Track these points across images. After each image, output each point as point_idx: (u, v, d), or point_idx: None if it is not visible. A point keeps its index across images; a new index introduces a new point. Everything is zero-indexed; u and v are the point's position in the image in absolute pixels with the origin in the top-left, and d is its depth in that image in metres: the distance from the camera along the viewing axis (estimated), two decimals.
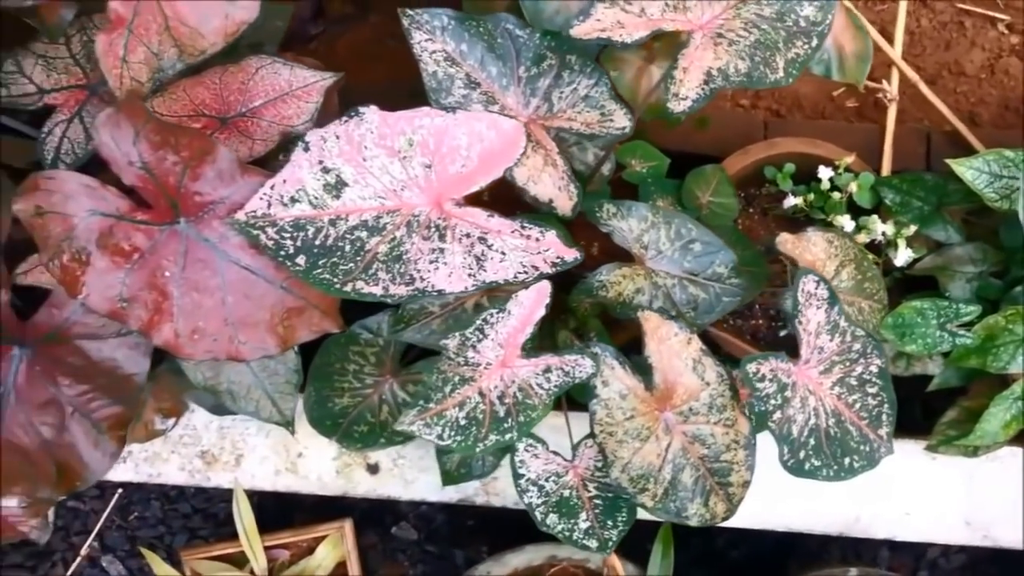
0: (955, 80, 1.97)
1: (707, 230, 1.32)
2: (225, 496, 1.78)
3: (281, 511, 1.75)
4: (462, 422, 1.13)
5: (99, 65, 1.03)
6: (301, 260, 1.07)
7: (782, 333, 1.61)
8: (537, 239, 1.05)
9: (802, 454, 1.21)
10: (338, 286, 1.07)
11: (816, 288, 1.15)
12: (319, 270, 1.07)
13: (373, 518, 1.78)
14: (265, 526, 1.65)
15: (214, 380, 1.27)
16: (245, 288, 1.12)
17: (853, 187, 1.55)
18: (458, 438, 1.13)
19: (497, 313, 1.11)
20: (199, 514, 1.80)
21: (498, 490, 1.59)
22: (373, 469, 1.60)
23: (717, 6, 1.17)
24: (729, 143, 1.72)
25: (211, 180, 1.09)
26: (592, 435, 1.14)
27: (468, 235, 1.06)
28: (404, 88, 1.89)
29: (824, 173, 1.55)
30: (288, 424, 1.33)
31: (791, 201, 1.56)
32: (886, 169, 1.75)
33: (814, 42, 1.21)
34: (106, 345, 1.13)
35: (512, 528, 1.76)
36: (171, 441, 1.58)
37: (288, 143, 1.29)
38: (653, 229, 1.29)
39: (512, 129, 1.03)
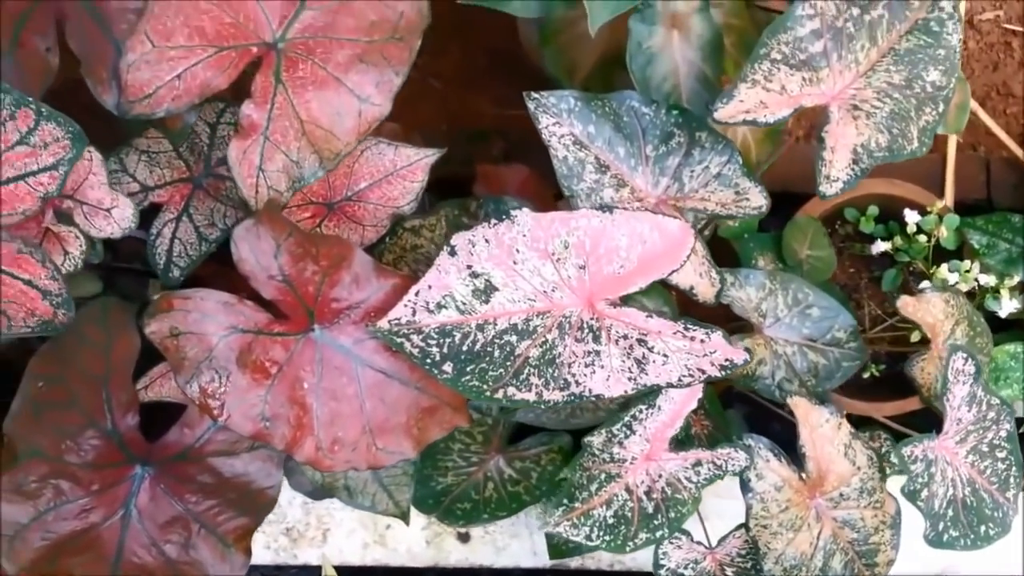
0: (1004, 101, 1.96)
1: (823, 293, 1.29)
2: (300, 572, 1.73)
3: None
4: (610, 521, 1.09)
5: (232, 173, 0.97)
6: (448, 367, 1.02)
7: (866, 375, 1.59)
8: (702, 340, 1.01)
9: (940, 526, 1.19)
10: (488, 393, 1.02)
11: (964, 365, 1.13)
12: (467, 377, 1.02)
13: None
14: None
15: (331, 478, 1.22)
16: (381, 392, 1.07)
17: (943, 232, 1.52)
18: (607, 538, 1.09)
19: (647, 409, 1.07)
20: None
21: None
22: (464, 538, 1.56)
23: (848, 75, 1.13)
24: (793, 179, 1.69)
25: (347, 285, 1.04)
26: (746, 527, 1.11)
27: (625, 336, 1.01)
28: (459, 132, 1.85)
29: (911, 217, 1.52)
30: (404, 516, 1.28)
31: (880, 247, 1.54)
32: (949, 199, 1.73)
33: (940, 107, 1.18)
34: (239, 461, 1.08)
35: None
36: None
37: (395, 226, 1.24)
38: (771, 296, 1.26)
39: (679, 231, 0.99)
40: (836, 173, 1.07)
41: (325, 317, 1.05)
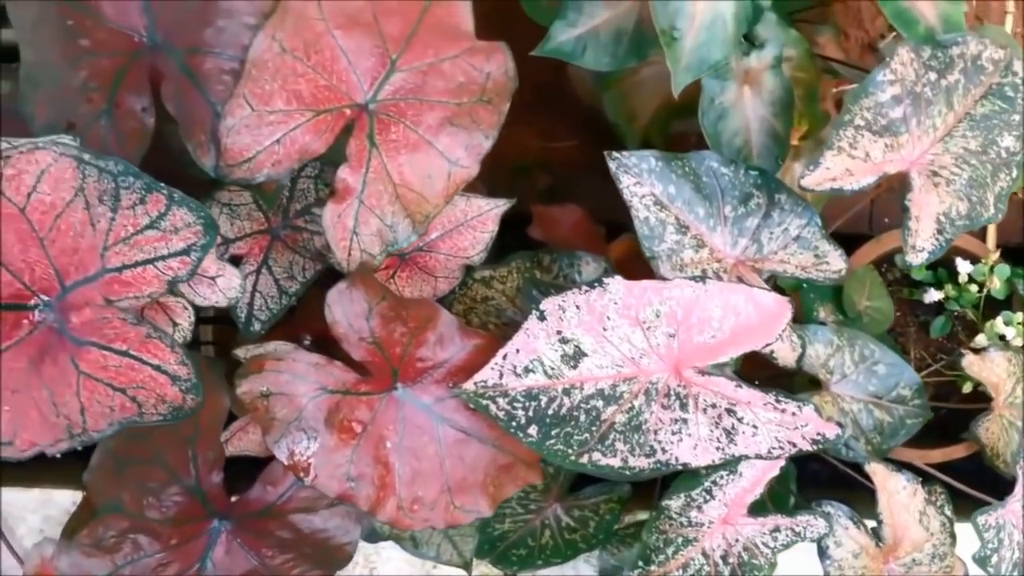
0: None
1: (887, 349, 1.29)
2: None
3: None
4: None
5: (326, 236, 0.97)
6: (533, 431, 1.02)
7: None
8: (794, 413, 1.01)
9: None
10: (573, 458, 1.02)
11: None
12: (552, 440, 1.02)
13: None
14: None
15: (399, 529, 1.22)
16: (460, 450, 1.07)
17: (995, 282, 1.53)
18: None
19: (728, 475, 1.07)
20: None
21: None
22: None
23: (926, 140, 1.14)
24: (837, 219, 1.70)
25: (432, 345, 1.04)
26: None
27: (714, 405, 1.02)
28: (503, 168, 1.85)
29: (963, 267, 1.53)
30: (467, 566, 1.28)
31: (932, 296, 1.55)
32: (990, 243, 1.74)
33: (1014, 173, 1.18)
34: (318, 517, 1.08)
35: None
36: None
37: (465, 276, 1.24)
38: (838, 353, 1.26)
39: (775, 305, 0.99)
40: (921, 243, 1.08)
41: (409, 376, 1.05)
